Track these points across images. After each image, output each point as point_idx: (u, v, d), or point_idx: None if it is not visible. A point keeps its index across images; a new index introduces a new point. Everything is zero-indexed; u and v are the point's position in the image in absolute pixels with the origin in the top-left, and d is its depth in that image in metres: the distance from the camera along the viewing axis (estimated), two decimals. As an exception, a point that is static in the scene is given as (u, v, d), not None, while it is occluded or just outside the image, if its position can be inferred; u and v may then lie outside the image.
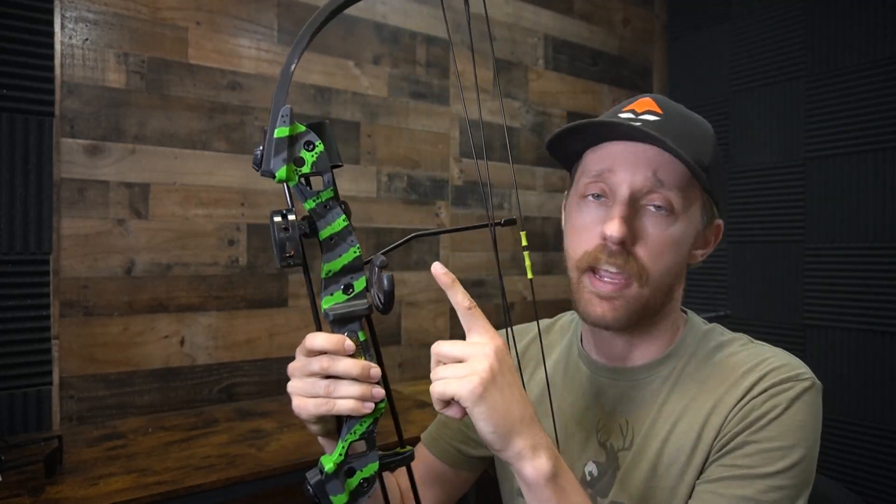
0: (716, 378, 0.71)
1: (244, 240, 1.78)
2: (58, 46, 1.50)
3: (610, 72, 2.73)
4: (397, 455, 0.58)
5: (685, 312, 0.81)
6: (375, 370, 0.56)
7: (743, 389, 0.67)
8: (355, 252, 0.55)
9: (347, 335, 0.56)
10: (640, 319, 0.71)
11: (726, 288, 2.60)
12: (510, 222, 0.64)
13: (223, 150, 1.74)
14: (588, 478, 0.76)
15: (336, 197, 0.55)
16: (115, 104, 1.58)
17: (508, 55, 2.38)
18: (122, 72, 1.59)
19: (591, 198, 0.71)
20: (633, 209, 0.68)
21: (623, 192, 0.68)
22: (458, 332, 2.23)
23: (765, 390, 0.66)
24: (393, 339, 2.07)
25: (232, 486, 1.21)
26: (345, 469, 0.54)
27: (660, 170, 0.68)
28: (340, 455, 0.54)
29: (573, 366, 0.83)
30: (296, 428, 1.50)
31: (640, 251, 0.68)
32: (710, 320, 0.82)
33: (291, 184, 0.53)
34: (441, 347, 0.58)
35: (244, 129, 1.77)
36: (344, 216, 0.55)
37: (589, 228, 0.71)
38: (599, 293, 0.69)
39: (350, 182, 1.98)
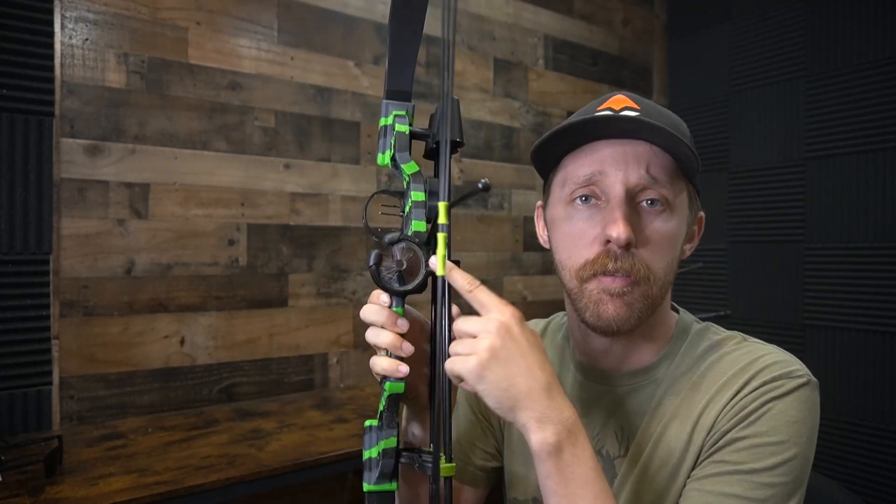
0: (709, 378, 0.69)
1: (244, 240, 1.78)
2: (58, 46, 1.50)
3: (610, 72, 2.73)
4: (425, 460, 0.61)
5: (676, 311, 0.78)
6: (402, 321, 0.63)
7: (736, 387, 0.65)
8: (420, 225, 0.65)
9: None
10: (645, 321, 0.69)
11: (726, 288, 2.60)
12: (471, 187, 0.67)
13: (223, 150, 1.74)
14: None
15: (418, 173, 0.69)
16: (115, 104, 1.58)
17: (508, 55, 2.38)
18: (122, 72, 1.59)
19: (579, 202, 0.68)
20: (631, 208, 0.66)
21: (618, 191, 0.65)
22: (458, 332, 2.24)
23: (757, 387, 0.64)
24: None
25: (232, 486, 1.21)
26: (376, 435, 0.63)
27: (651, 165, 0.66)
28: (382, 407, 0.63)
29: (565, 370, 0.81)
30: (296, 428, 1.50)
31: (643, 251, 0.66)
32: (710, 321, 0.81)
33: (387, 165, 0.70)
34: (458, 324, 0.61)
35: (244, 129, 1.77)
36: (416, 193, 0.67)
37: (585, 234, 0.67)
38: (611, 290, 0.66)
39: (350, 182, 1.98)
